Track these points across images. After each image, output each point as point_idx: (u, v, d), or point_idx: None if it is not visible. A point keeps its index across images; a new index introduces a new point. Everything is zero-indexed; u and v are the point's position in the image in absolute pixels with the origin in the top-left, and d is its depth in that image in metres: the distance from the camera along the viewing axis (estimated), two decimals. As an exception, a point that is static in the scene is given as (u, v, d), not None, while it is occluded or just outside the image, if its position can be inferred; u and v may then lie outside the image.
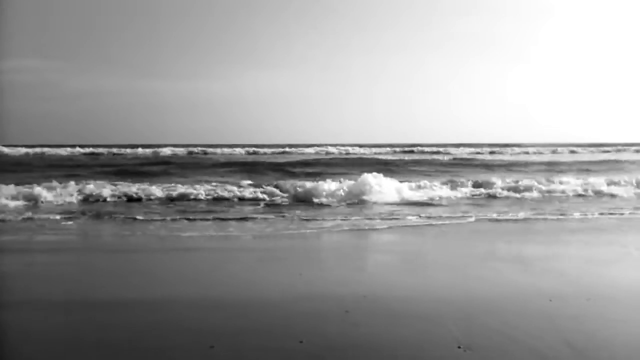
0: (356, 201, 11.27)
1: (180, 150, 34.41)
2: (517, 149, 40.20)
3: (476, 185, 13.56)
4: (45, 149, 33.83)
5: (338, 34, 73.17)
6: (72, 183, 12.26)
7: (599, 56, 74.46)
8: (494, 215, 9.31)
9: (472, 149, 39.35)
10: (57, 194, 11.44)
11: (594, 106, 76.08)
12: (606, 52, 73.53)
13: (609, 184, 13.43)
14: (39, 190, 11.34)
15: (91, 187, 12.12)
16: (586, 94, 77.31)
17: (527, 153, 36.55)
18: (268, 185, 13.01)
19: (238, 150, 36.34)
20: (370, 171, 12.79)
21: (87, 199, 11.49)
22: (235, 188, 12.57)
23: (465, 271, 5.38)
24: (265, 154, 34.30)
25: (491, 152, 36.45)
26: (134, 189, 12.16)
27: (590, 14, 71.29)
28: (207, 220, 8.82)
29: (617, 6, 62.68)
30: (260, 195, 11.99)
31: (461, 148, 41.04)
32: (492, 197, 12.49)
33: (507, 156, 32.90)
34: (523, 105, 77.27)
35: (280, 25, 72.32)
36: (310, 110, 77.60)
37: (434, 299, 4.30)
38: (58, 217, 8.96)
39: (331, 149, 37.01)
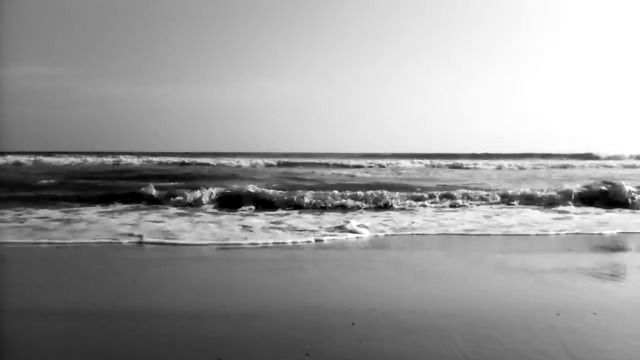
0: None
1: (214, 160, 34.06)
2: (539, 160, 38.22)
3: None
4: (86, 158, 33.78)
5: (346, 41, 73.38)
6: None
7: (616, 61, 73.50)
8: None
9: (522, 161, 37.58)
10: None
11: (613, 114, 75.10)
12: (625, 56, 72.51)
13: None
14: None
15: None
16: (604, 100, 76.16)
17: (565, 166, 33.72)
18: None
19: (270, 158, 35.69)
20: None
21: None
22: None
23: (473, 284, 5.38)
24: (295, 163, 33.18)
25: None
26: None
27: (606, 17, 70.65)
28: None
29: (636, 7, 61.54)
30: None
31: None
32: None
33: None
34: (539, 113, 76.67)
35: (287, 32, 72.63)
36: (318, 118, 77.74)
37: (441, 312, 4.31)
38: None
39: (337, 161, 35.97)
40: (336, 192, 12.57)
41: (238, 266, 6.34)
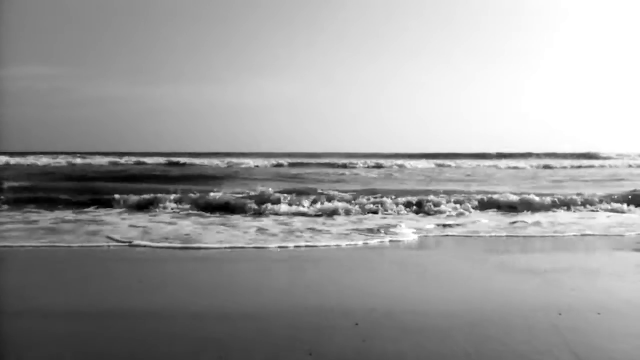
0: None
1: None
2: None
3: None
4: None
5: (346, 41, 73.26)
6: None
7: (617, 60, 73.16)
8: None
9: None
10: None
11: (613, 113, 74.69)
12: (626, 55, 72.18)
13: None
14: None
15: None
16: (605, 99, 75.77)
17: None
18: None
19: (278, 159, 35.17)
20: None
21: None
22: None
23: (476, 284, 5.36)
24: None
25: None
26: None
27: (606, 17, 70.35)
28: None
29: (636, 7, 61.04)
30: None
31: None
32: None
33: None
34: (539, 113, 76.38)
35: (287, 32, 72.48)
36: (318, 118, 77.67)
37: (444, 313, 4.29)
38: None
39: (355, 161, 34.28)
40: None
41: (239, 266, 6.34)
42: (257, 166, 31.45)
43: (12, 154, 33.39)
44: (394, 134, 78.07)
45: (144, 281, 5.51)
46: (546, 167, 32.06)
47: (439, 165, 32.54)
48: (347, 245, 7.55)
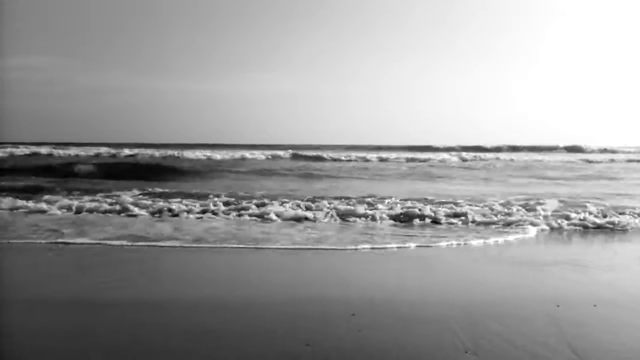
0: None
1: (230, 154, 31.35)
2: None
3: None
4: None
5: (344, 37, 73.36)
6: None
7: (611, 57, 73.45)
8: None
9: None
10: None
11: (607, 109, 74.87)
12: (619, 52, 72.39)
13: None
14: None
15: None
16: (598, 95, 76.06)
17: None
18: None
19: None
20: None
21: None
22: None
23: (473, 276, 5.38)
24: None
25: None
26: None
27: (602, 13, 70.53)
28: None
29: (631, 3, 61.11)
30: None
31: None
32: None
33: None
34: (532, 108, 76.57)
35: (286, 27, 72.49)
36: (317, 112, 77.75)
37: (441, 304, 4.31)
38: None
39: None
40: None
41: (237, 256, 6.34)
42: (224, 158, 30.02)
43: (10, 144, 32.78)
44: (394, 129, 78.39)
45: (141, 272, 5.51)
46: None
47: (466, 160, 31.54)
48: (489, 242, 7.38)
